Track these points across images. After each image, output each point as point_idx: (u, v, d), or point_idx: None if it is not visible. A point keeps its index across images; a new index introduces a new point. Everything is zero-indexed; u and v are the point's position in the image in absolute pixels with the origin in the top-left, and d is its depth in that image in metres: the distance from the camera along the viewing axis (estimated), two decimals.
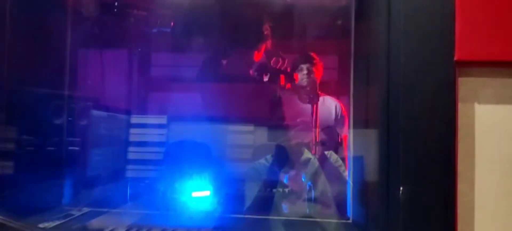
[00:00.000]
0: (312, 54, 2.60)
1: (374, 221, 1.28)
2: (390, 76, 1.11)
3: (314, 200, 2.15)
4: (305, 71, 2.56)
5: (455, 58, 1.01)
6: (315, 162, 2.24)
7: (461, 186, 1.01)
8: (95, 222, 1.52)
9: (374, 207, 1.28)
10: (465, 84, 1.03)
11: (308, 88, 2.48)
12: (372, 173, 1.29)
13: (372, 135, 1.31)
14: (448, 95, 1.01)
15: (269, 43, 2.33)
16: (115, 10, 1.93)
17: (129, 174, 2.09)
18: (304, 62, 2.57)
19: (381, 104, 1.18)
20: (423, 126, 1.01)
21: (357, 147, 1.51)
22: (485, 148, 1.03)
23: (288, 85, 2.43)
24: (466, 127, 1.02)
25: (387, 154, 1.12)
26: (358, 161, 1.49)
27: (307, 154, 2.29)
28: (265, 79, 2.38)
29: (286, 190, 2.43)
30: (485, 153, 1.03)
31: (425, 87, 1.02)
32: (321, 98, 2.39)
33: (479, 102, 1.04)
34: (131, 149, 2.12)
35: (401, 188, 1.00)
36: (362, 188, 1.40)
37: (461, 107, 1.02)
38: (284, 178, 2.49)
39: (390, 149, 1.11)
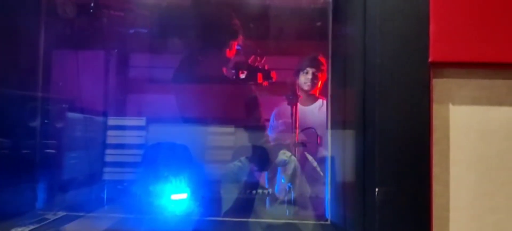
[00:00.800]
0: (320, 58, 2.59)
1: (352, 222, 1.28)
2: (366, 77, 1.11)
3: (294, 202, 2.15)
4: (310, 75, 2.55)
5: (430, 59, 1.01)
6: (293, 163, 2.23)
7: (436, 187, 1.01)
8: (70, 227, 1.50)
9: (351, 208, 1.28)
10: (440, 86, 1.03)
11: (310, 93, 2.48)
12: (349, 174, 1.29)
13: (349, 136, 1.31)
14: (423, 97, 1.02)
15: (240, 39, 2.30)
16: (91, 10, 1.90)
17: (106, 176, 2.06)
18: (310, 66, 2.57)
19: (357, 106, 1.18)
20: (398, 127, 1.01)
21: (335, 148, 1.51)
22: (460, 149, 1.04)
23: (265, 83, 2.43)
24: (441, 128, 1.03)
25: (363, 155, 1.12)
26: (336, 162, 1.49)
27: (283, 155, 2.28)
28: (242, 76, 2.37)
29: (265, 191, 2.42)
30: (460, 154, 1.03)
31: (400, 88, 1.02)
32: (320, 101, 2.41)
33: (454, 104, 1.04)
34: (108, 151, 2.09)
35: (377, 189, 1.00)
36: (340, 189, 1.40)
37: (436, 109, 1.02)
38: (264, 180, 2.49)
39: (366, 150, 1.11)
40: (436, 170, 1.02)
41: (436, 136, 1.02)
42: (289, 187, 2.17)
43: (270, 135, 2.65)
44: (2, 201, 1.47)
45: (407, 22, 1.04)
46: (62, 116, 1.80)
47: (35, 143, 1.66)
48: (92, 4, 1.89)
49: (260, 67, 2.37)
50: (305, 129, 2.43)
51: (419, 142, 1.01)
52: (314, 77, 2.58)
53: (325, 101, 2.58)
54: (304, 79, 2.59)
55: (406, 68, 1.02)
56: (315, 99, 2.71)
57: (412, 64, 1.02)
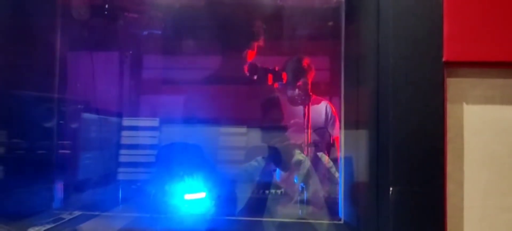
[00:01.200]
0: (303, 56, 2.61)
1: (365, 222, 1.28)
2: (380, 77, 1.11)
3: (307, 202, 2.15)
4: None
5: (444, 59, 1.01)
6: (306, 163, 2.24)
7: (450, 186, 1.01)
8: (85, 226, 1.51)
9: (365, 208, 1.28)
10: (454, 85, 1.03)
11: (299, 90, 2.48)
12: (362, 173, 1.30)
13: (362, 135, 1.31)
14: (437, 96, 1.01)
15: (261, 41, 2.32)
16: (106, 12, 1.92)
17: (121, 176, 2.08)
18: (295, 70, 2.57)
19: (370, 105, 1.18)
20: (412, 127, 1.01)
21: (348, 148, 1.51)
22: (474, 148, 1.03)
23: (276, 85, 2.44)
24: (454, 128, 1.03)
25: (377, 154, 1.12)
26: (349, 161, 1.49)
27: (298, 155, 2.29)
28: (255, 78, 2.38)
29: (279, 191, 2.43)
30: (474, 153, 1.03)
31: (414, 88, 1.02)
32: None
33: (467, 103, 1.04)
34: (122, 151, 2.11)
35: (391, 189, 1.00)
36: (353, 188, 1.40)
37: (449, 108, 1.02)
38: (277, 180, 2.49)
39: (379, 150, 1.11)
40: (449, 169, 1.02)
41: (449, 135, 1.02)
42: (302, 187, 2.17)
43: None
44: (19, 201, 1.49)
45: (420, 22, 1.04)
46: (77, 117, 1.82)
47: (51, 144, 1.68)
48: (106, 6, 1.91)
49: (270, 68, 2.38)
50: (318, 129, 2.42)
51: (433, 141, 1.01)
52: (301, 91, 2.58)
53: (318, 99, 2.58)
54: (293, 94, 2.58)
55: (419, 68, 1.02)
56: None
57: (425, 64, 1.02)
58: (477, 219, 1.02)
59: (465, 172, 1.03)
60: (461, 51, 1.02)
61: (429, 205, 1.00)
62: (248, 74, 2.34)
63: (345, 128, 1.53)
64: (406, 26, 1.04)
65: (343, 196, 1.52)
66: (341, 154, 1.55)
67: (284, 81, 2.39)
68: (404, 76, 1.03)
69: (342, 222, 1.50)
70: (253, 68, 2.32)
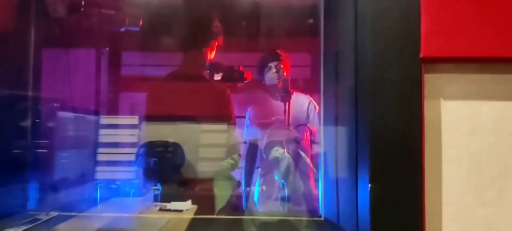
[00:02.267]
0: (278, 51, 2.61)
1: (345, 219, 1.28)
2: (358, 74, 1.11)
3: (287, 198, 2.15)
4: (274, 70, 2.56)
5: (421, 55, 1.01)
6: (285, 160, 2.23)
7: (428, 183, 1.01)
8: (62, 227, 1.49)
9: (344, 204, 1.28)
10: (431, 81, 1.03)
11: (279, 86, 2.48)
12: (342, 170, 1.29)
13: (342, 131, 1.31)
14: (415, 92, 1.01)
15: (220, 40, 2.31)
16: (82, 9, 1.89)
17: (99, 176, 2.05)
18: (272, 61, 2.58)
19: (349, 101, 1.18)
20: (390, 123, 1.01)
21: (328, 144, 1.51)
22: (451, 144, 1.04)
23: (240, 84, 2.45)
24: (432, 124, 1.03)
25: (356, 151, 1.12)
26: (329, 158, 1.49)
27: (276, 153, 2.28)
28: (217, 78, 2.38)
29: (259, 188, 2.43)
30: (451, 149, 1.03)
31: (392, 84, 1.02)
32: (294, 95, 2.41)
33: (444, 99, 1.04)
34: (101, 150, 2.08)
35: (369, 185, 1.00)
36: (333, 185, 1.40)
37: (427, 104, 1.02)
38: (256, 177, 2.49)
39: (358, 146, 1.11)
40: (427, 165, 1.02)
41: (427, 131, 1.02)
42: (283, 184, 2.17)
43: (245, 136, 2.65)
44: None
45: (398, 18, 1.03)
46: (53, 115, 1.79)
47: (26, 143, 1.65)
48: (82, 3, 1.87)
49: (235, 68, 2.39)
50: (299, 126, 2.42)
51: (411, 138, 1.01)
52: (278, 70, 2.58)
53: (299, 94, 2.59)
54: (270, 75, 2.59)
55: (397, 64, 1.02)
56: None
57: (403, 60, 1.02)
58: (455, 215, 1.03)
59: (443, 168, 1.03)
60: (438, 47, 1.02)
61: (408, 202, 1.00)
62: (209, 74, 2.35)
63: (325, 124, 1.53)
64: (384, 22, 1.04)
65: (323, 192, 1.51)
66: (321, 150, 1.54)
67: (249, 80, 2.39)
68: (382, 73, 1.02)
69: (322, 218, 1.50)
70: (215, 68, 2.32)
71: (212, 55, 2.29)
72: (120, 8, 1.98)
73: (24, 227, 1.41)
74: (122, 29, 2.00)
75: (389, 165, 1.00)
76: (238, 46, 2.75)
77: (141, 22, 2.03)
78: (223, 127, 2.29)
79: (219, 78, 2.32)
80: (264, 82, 2.63)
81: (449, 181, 1.03)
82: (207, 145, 2.22)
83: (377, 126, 1.02)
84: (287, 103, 2.28)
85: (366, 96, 1.05)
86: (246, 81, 2.40)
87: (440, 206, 1.02)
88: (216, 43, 2.29)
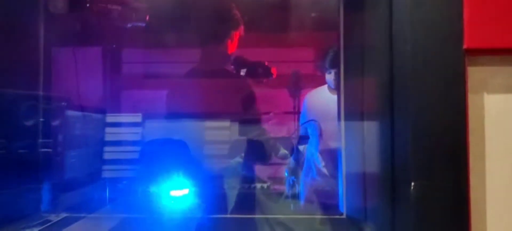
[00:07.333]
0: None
1: (375, 217, 1.24)
2: (394, 67, 1.06)
3: (298, 196, 2.12)
4: (333, 75, 2.50)
5: (464, 46, 0.97)
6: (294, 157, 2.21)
7: (472, 180, 0.97)
8: (73, 228, 1.46)
9: (375, 202, 1.24)
10: (474, 74, 0.99)
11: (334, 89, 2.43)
12: (371, 167, 1.25)
13: (370, 127, 1.27)
14: (458, 86, 0.97)
15: (241, 30, 2.23)
16: (87, 5, 1.82)
17: (106, 174, 2.00)
18: (333, 67, 2.50)
19: (382, 96, 1.14)
20: (433, 118, 0.97)
21: (350, 140, 1.47)
22: (495, 139, 1.00)
23: (265, 80, 2.39)
24: (475, 118, 0.99)
25: (391, 147, 1.08)
26: (352, 154, 1.45)
27: (283, 149, 2.25)
28: (242, 73, 2.33)
29: (264, 185, 2.39)
30: (495, 144, 1.00)
31: (434, 77, 0.97)
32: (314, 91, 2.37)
33: (488, 93, 1.00)
34: (106, 148, 2.03)
35: (412, 184, 0.95)
36: (358, 182, 1.36)
37: (470, 98, 0.98)
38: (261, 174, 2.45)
39: (395, 142, 1.07)
40: (471, 161, 0.97)
41: (471, 126, 0.98)
42: (293, 181, 2.14)
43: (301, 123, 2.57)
44: (5, 204, 1.41)
45: (439, 7, 0.99)
46: (61, 114, 1.73)
47: (35, 143, 1.60)
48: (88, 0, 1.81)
49: (261, 63, 2.32)
50: (307, 122, 2.39)
51: (455, 133, 0.97)
52: (337, 76, 2.54)
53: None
54: (331, 78, 2.54)
55: (439, 55, 0.97)
56: None
57: (445, 52, 0.97)
58: (500, 212, 0.99)
59: (487, 164, 0.99)
60: (482, 38, 0.97)
61: (452, 200, 0.96)
62: (234, 68, 2.28)
63: (346, 119, 1.49)
64: (424, 11, 0.99)
65: (345, 189, 1.47)
66: (341, 146, 1.51)
67: (274, 76, 2.33)
68: (423, 65, 0.98)
69: (344, 216, 1.46)
70: (241, 63, 2.26)
71: (233, 47, 2.21)
72: (127, 3, 1.91)
73: (35, 229, 1.39)
74: (129, 25, 1.93)
75: (433, 161, 0.97)
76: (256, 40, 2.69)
77: (148, 17, 1.96)
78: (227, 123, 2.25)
79: (243, 73, 2.26)
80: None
81: (493, 178, 0.99)
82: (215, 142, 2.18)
83: (419, 121, 0.98)
84: (297, 99, 2.24)
85: (405, 91, 1.01)
86: (271, 77, 2.34)
87: (485, 204, 0.99)
88: (237, 34, 2.20)
